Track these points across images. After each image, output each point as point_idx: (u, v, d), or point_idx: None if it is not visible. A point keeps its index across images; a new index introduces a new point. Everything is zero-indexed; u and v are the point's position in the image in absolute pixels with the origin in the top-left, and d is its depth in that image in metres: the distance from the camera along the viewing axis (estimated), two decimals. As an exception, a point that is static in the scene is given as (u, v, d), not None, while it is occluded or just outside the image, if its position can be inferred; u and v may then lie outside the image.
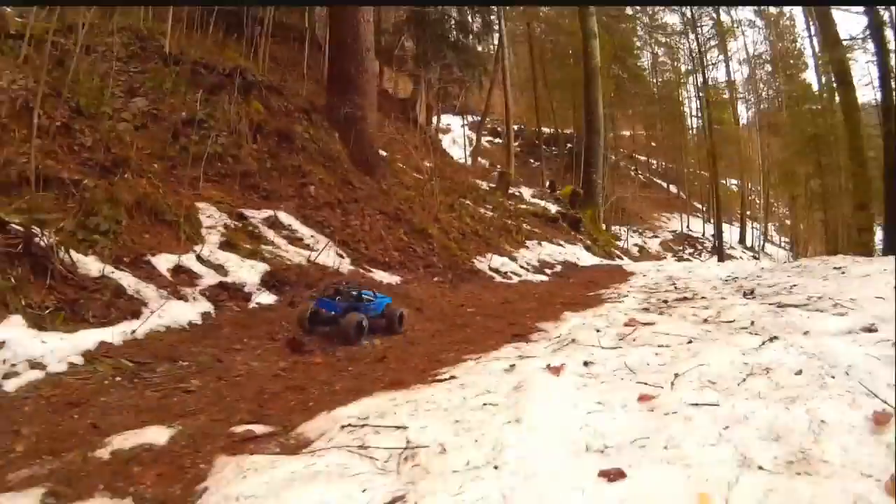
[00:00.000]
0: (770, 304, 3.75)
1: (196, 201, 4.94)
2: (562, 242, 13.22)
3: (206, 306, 3.72)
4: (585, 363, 2.54)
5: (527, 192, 18.84)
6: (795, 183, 25.66)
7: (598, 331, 3.25)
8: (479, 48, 20.41)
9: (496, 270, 8.71)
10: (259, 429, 2.18)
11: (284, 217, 5.63)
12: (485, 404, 2.06)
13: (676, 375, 2.09)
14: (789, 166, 24.50)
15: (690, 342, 2.72)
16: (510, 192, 17.03)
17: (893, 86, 9.32)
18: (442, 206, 9.65)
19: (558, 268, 10.50)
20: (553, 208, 15.95)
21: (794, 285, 4.65)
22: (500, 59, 22.23)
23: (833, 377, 1.84)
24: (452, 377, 2.64)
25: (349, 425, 2.00)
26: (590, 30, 17.91)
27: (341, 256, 5.57)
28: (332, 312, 3.63)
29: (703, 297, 5.16)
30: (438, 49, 16.51)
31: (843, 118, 10.10)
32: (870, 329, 2.54)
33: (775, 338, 2.40)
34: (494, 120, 32.35)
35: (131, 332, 3.06)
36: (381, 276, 5.73)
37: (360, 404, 2.26)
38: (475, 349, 3.49)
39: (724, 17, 28.42)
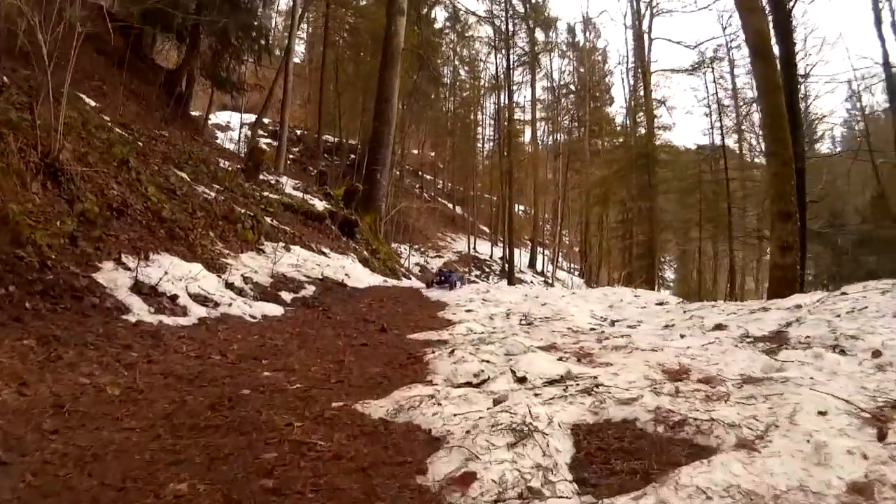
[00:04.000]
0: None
1: None
2: (325, 250, 8.77)
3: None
4: None
5: (288, 183, 14.07)
6: (610, 205, 26.00)
7: None
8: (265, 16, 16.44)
9: (152, 293, 3.86)
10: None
11: None
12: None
13: None
14: (607, 188, 24.58)
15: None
16: (262, 177, 12.12)
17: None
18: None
19: (311, 289, 5.97)
20: (320, 205, 11.45)
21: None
22: (291, 37, 17.27)
23: None
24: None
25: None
26: (398, 6, 14.43)
27: None
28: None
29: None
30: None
31: (761, 98, 8.18)
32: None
33: None
34: (278, 123, 27.09)
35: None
36: None
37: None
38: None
39: (539, 36, 27.86)
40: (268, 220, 8.79)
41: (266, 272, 5.92)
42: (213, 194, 8.45)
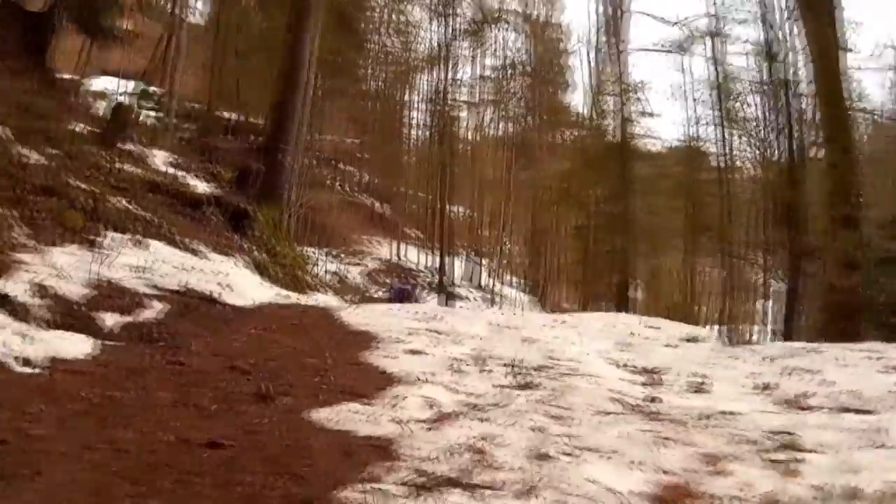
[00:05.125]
0: None
1: None
2: (201, 248, 6.52)
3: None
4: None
5: (161, 157, 11.39)
6: (571, 207, 23.17)
7: None
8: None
9: None
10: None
11: None
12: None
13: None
14: (571, 183, 22.23)
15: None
16: (127, 148, 9.51)
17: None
18: None
19: (158, 308, 3.84)
20: (202, 187, 9.05)
21: None
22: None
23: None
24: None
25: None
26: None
27: None
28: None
29: None
30: None
31: (814, 63, 6.80)
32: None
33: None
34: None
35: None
36: None
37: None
38: None
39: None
40: (117, 201, 6.48)
41: (82, 279, 3.69)
42: (38, 158, 6.10)
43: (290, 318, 4.68)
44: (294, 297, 6.29)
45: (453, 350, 3.65)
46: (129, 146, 10.20)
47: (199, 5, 27.92)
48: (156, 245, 5.56)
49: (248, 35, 22.16)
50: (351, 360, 3.30)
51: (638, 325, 5.32)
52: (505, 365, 3.25)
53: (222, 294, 4.64)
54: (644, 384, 3.28)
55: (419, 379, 2.99)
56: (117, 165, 8.03)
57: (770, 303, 20.55)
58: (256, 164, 11.08)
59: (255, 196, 10.64)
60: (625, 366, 3.67)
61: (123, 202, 6.80)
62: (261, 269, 7.41)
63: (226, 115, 23.43)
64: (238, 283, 5.25)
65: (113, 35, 12.55)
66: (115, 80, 22.49)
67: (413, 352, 3.56)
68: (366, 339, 4.04)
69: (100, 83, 26.32)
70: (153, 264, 4.53)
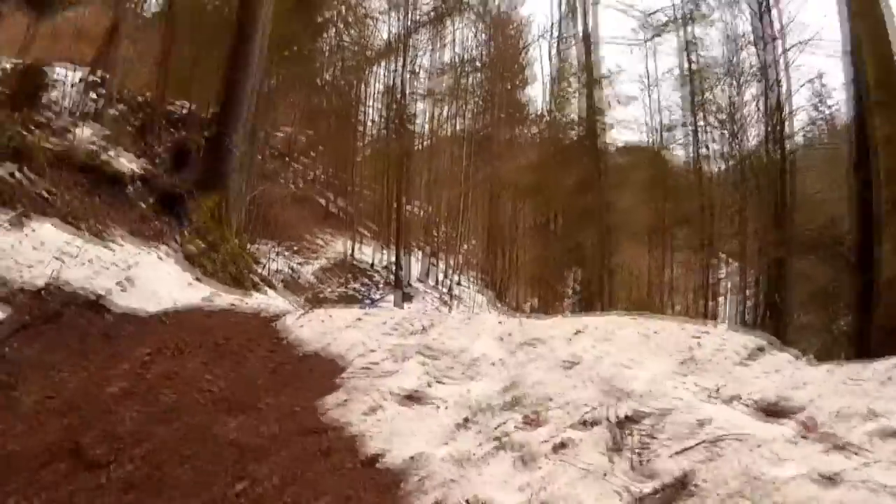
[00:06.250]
0: None
1: None
2: (115, 234, 5.08)
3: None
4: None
5: (89, 132, 9.73)
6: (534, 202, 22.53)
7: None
8: None
9: None
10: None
11: None
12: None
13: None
14: (542, 177, 21.12)
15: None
16: (44, 118, 7.92)
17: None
18: None
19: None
20: (128, 164, 7.50)
21: None
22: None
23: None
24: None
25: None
26: None
27: None
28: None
29: None
30: None
31: (856, 21, 5.96)
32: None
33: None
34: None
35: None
36: None
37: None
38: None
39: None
40: (4, 170, 4.96)
41: None
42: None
43: (215, 331, 3.24)
44: (231, 298, 4.87)
45: (473, 390, 2.31)
46: (50, 117, 8.59)
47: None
48: (41, 226, 4.09)
49: (203, 25, 20.65)
50: (305, 423, 1.97)
51: (679, 333, 4.20)
52: (583, 424, 1.91)
53: (116, 295, 3.21)
54: (802, 437, 1.96)
55: (447, 483, 1.66)
56: (21, 131, 6.47)
57: (727, 300, 20.48)
58: (196, 143, 9.57)
59: (197, 181, 9.14)
60: (734, 401, 2.39)
61: (16, 174, 5.31)
62: (193, 263, 5.98)
63: (177, 104, 21.83)
64: (148, 279, 3.79)
65: (54, 7, 10.73)
66: (63, 69, 21.98)
67: (409, 397, 2.23)
68: (325, 370, 2.72)
69: (56, 72, 24.68)
70: (16, 248, 3.11)
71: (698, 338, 4.10)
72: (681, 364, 3.27)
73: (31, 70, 8.44)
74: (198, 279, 5.30)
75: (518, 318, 4.96)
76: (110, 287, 3.38)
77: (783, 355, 3.86)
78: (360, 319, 4.08)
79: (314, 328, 3.67)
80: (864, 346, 4.49)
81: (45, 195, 5.11)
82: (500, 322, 4.31)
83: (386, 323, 4.03)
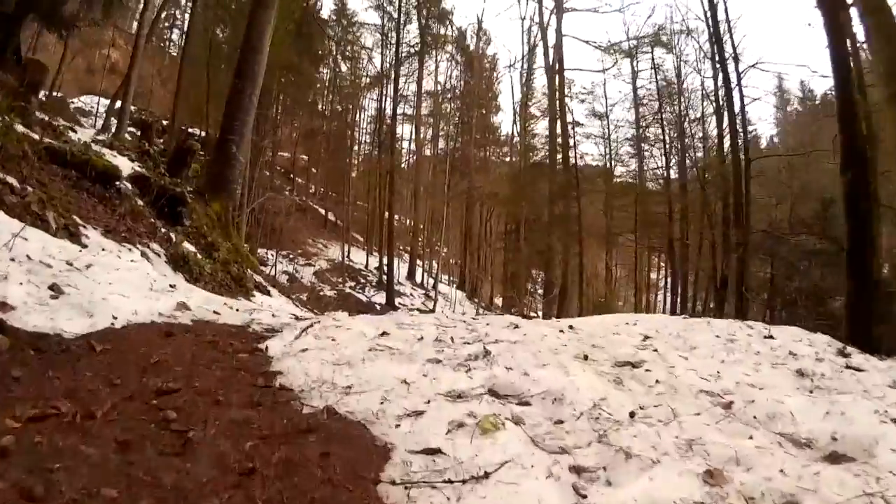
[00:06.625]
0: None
1: None
2: (88, 232, 4.56)
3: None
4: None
5: (89, 134, 9.68)
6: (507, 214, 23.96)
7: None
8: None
9: None
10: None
11: None
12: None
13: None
14: (519, 189, 22.65)
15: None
16: (41, 116, 7.84)
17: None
18: None
19: None
20: (124, 164, 7.32)
21: None
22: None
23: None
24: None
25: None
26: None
27: None
28: None
29: None
30: None
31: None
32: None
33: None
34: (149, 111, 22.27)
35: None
36: None
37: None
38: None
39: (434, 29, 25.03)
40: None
41: None
42: None
43: (166, 367, 2.19)
44: (216, 305, 4.45)
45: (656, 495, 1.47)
46: (46, 116, 8.43)
47: (175, 36, 29.08)
48: (-3, 219, 3.62)
49: (218, 57, 21.48)
50: None
51: (738, 332, 3.63)
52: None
53: (30, 307, 2.32)
54: None
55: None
56: (8, 123, 6.26)
57: (663, 296, 22.27)
58: (196, 144, 9.42)
59: (202, 184, 8.96)
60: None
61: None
62: (178, 266, 5.59)
63: (191, 131, 22.88)
64: (97, 284, 2.97)
65: (74, 25, 10.76)
66: (97, 98, 24.78)
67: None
68: (351, 463, 1.63)
69: (87, 100, 26.05)
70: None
71: (761, 340, 3.51)
72: (797, 375, 2.75)
73: (29, 63, 8.30)
74: (179, 283, 4.88)
75: (565, 322, 4.17)
76: (22, 295, 2.33)
77: (860, 358, 3.31)
78: (384, 334, 2.95)
79: (321, 356, 2.58)
80: (857, 339, 4.45)
81: (11, 185, 4.72)
82: (560, 331, 3.45)
83: (423, 338, 2.95)
